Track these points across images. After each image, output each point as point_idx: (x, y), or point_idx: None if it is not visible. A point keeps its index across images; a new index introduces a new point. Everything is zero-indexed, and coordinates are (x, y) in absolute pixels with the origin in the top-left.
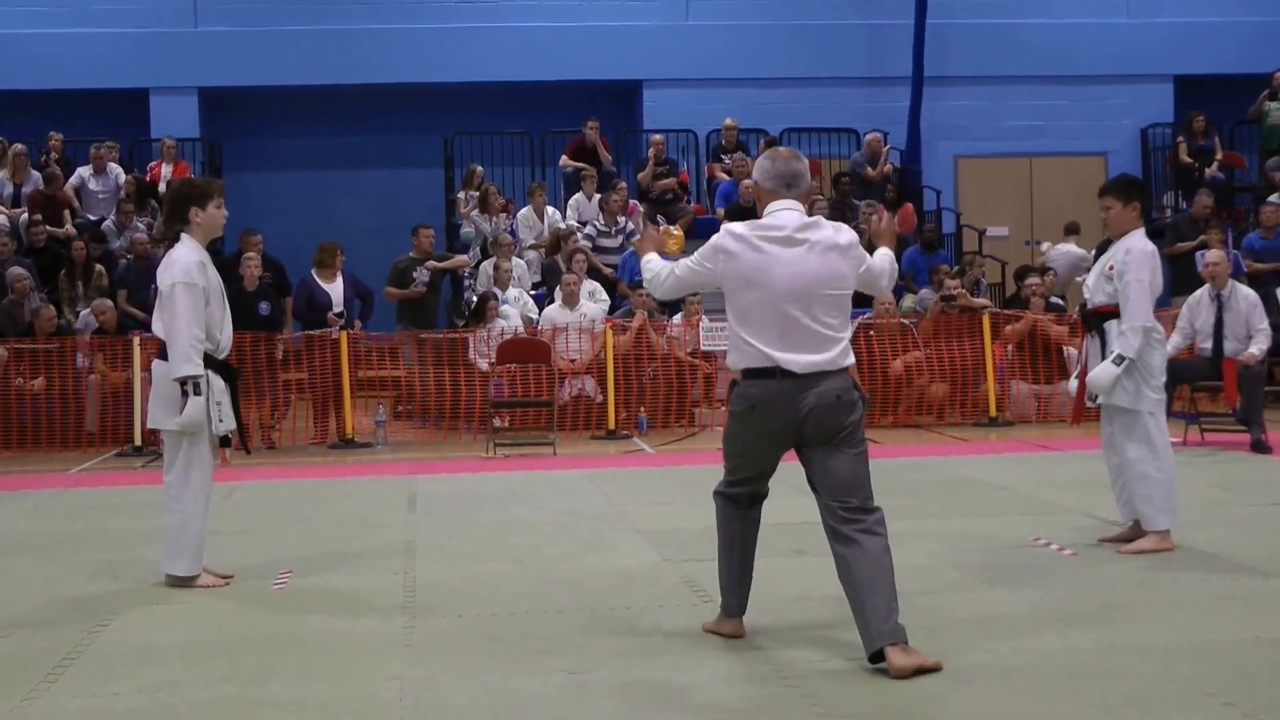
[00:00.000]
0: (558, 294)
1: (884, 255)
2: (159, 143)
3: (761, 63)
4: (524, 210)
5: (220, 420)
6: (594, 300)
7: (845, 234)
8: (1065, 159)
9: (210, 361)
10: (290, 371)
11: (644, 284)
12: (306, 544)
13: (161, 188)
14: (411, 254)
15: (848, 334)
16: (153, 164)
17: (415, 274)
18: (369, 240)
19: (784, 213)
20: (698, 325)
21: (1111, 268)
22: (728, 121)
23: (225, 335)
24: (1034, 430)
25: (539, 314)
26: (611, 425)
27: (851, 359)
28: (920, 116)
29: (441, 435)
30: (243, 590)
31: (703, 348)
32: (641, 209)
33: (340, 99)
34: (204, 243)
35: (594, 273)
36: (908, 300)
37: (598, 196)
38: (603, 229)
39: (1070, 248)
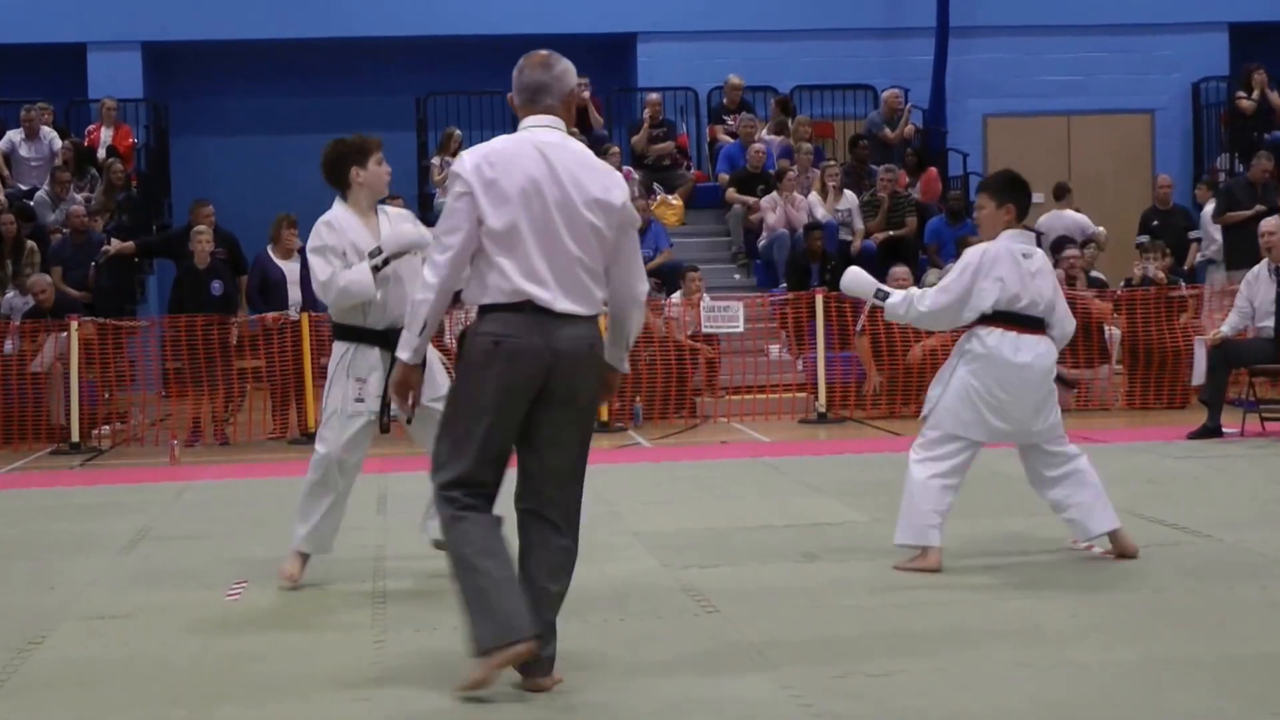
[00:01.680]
0: None
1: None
2: (98, 104)
3: (769, 13)
4: None
5: (359, 399)
6: None
7: (608, 173)
8: (1107, 117)
9: (359, 333)
10: (246, 358)
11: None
12: (264, 550)
13: (101, 154)
14: None
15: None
16: (91, 127)
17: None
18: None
19: (536, 129)
20: (699, 305)
21: None
22: (732, 79)
23: (386, 298)
24: (1072, 420)
25: None
26: (604, 417)
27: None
28: (945, 71)
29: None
30: (192, 601)
31: (704, 330)
32: (636, 176)
33: (301, 55)
34: (369, 205)
35: None
36: (930, 277)
37: None
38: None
39: (1068, 213)
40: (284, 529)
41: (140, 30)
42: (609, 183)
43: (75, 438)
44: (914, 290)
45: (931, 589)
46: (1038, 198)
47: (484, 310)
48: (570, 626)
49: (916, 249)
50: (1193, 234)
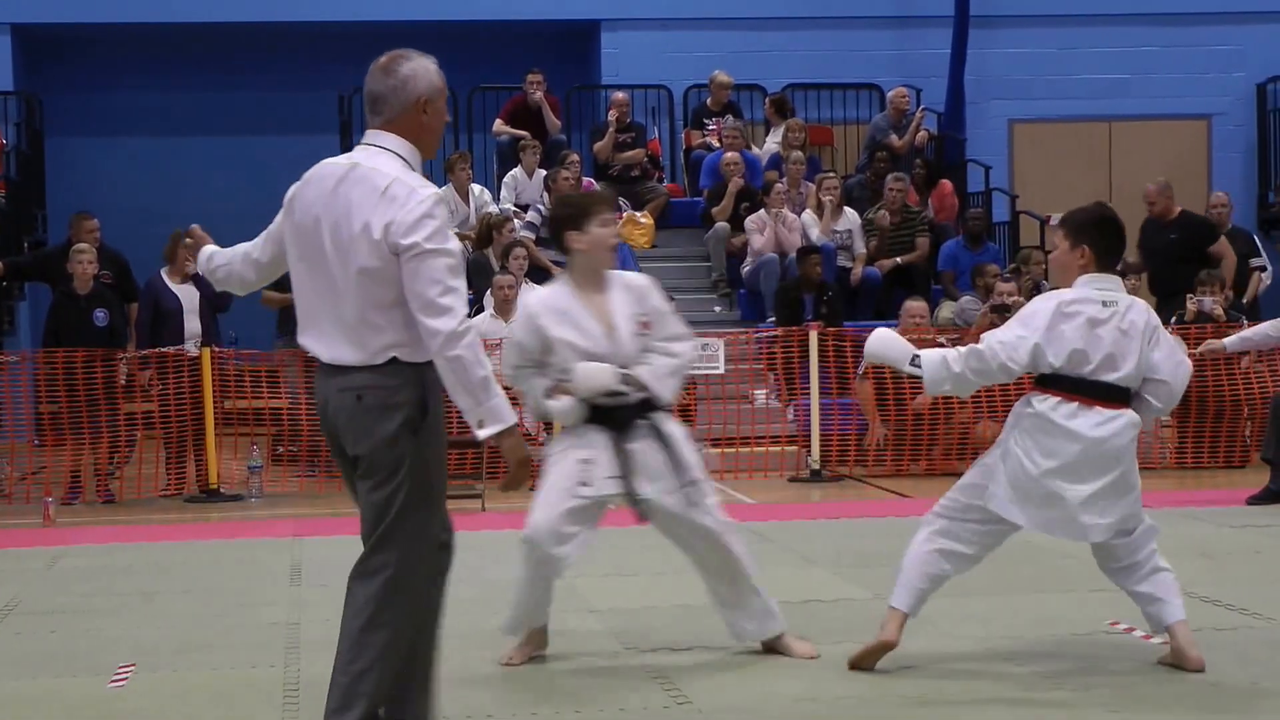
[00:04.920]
0: (488, 300)
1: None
2: None
3: None
4: (443, 189)
5: (585, 484)
6: None
7: (402, 197)
8: (1156, 123)
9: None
10: (136, 402)
11: None
12: (155, 628)
13: None
14: None
15: (395, 321)
16: None
17: None
18: (239, 227)
19: (357, 149)
20: None
21: None
22: (719, 75)
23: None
24: None
25: None
26: None
27: (402, 353)
28: (965, 68)
29: (335, 485)
30: (68, 690)
31: None
32: (599, 189)
33: (202, 42)
34: (593, 279)
35: (537, 272)
36: (945, 310)
37: (542, 173)
38: (548, 215)
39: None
40: (179, 602)
41: (10, 10)
42: (380, 209)
43: None
44: (950, 353)
45: (946, 680)
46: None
47: None
48: None
49: (929, 277)
50: (1255, 261)
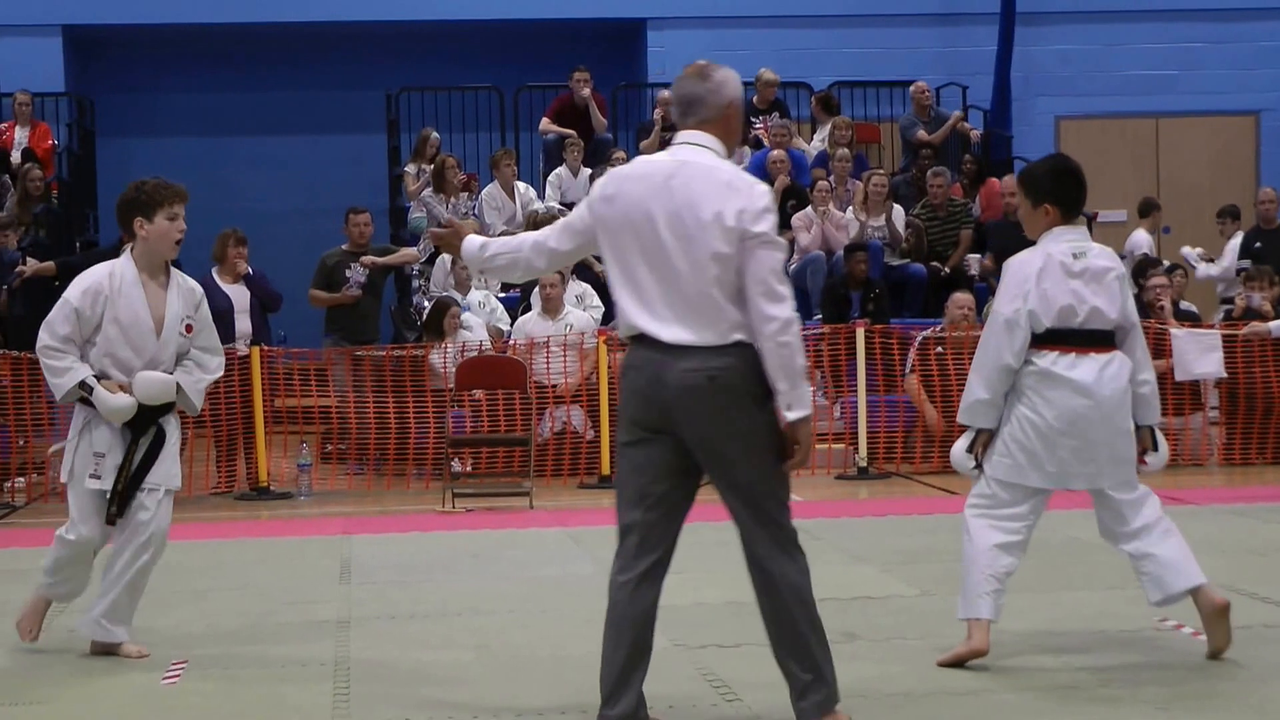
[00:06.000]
0: (535, 298)
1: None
2: (10, 99)
3: None
4: (489, 187)
5: (96, 476)
6: (583, 306)
7: (744, 187)
8: (1204, 119)
9: None
10: None
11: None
12: (206, 625)
13: (15, 157)
14: (344, 246)
15: (736, 306)
16: (3, 126)
17: (349, 273)
18: (288, 228)
19: (676, 146)
20: None
21: None
22: (765, 73)
23: (143, 379)
24: (1159, 477)
25: (511, 324)
26: (605, 470)
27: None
28: (1011, 65)
29: (384, 483)
30: (121, 686)
31: None
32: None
33: (250, 43)
34: (152, 268)
35: (583, 270)
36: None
37: (587, 171)
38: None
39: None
40: (230, 599)
41: (61, 12)
42: (730, 199)
43: None
44: (979, 389)
45: (993, 676)
46: (1119, 215)
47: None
48: (566, 719)
49: (972, 274)
50: None
